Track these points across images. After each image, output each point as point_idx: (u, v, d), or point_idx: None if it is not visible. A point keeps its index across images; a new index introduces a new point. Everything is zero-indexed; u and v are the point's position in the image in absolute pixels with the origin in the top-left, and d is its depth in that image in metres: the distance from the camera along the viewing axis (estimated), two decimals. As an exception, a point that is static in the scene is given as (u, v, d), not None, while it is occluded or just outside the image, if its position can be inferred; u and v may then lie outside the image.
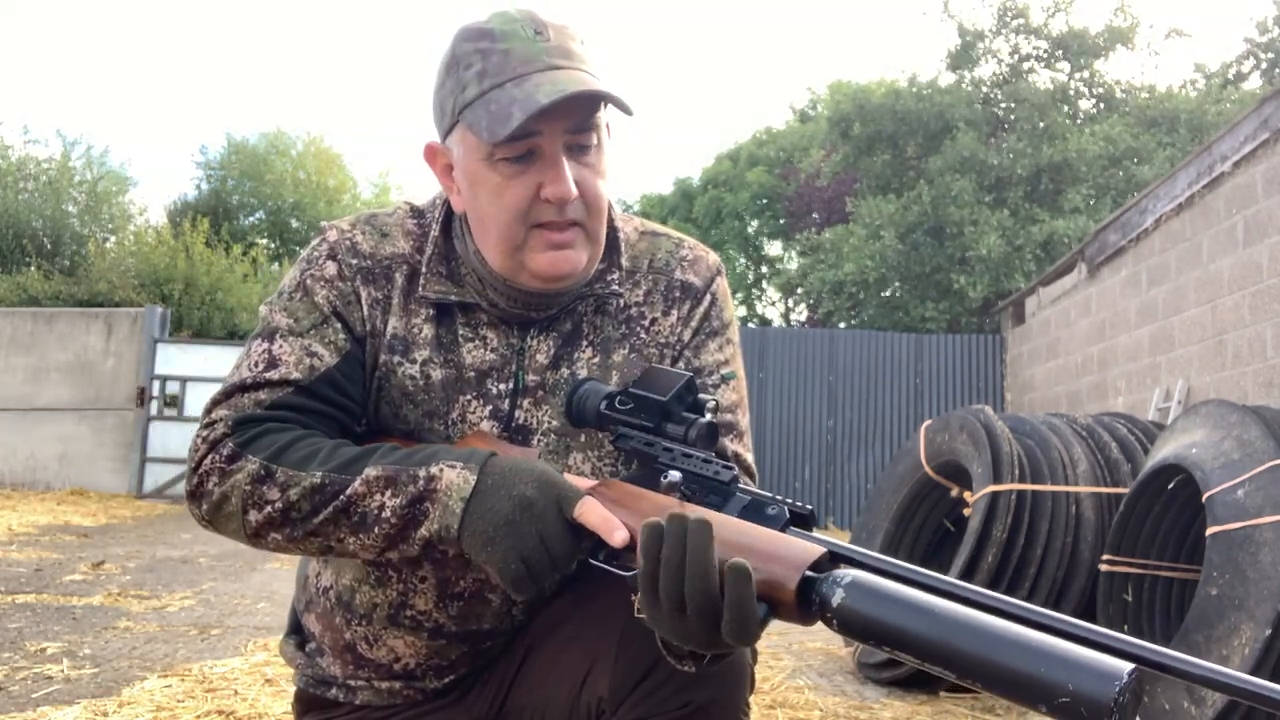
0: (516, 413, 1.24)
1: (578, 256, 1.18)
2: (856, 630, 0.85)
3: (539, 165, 1.14)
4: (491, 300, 1.24)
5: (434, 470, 1.06)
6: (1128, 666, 0.73)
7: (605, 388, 1.15)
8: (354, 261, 1.24)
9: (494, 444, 1.19)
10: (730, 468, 1.03)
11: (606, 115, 1.21)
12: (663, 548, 0.90)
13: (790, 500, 0.98)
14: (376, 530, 1.07)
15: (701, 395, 1.10)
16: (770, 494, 1.00)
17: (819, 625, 0.89)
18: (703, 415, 1.08)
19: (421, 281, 1.24)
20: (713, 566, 0.88)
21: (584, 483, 1.09)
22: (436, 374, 1.23)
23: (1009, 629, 0.79)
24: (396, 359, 1.23)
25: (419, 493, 1.06)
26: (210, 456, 1.12)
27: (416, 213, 1.31)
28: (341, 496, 1.07)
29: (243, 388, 1.16)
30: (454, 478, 1.06)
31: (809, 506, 0.97)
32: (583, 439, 1.25)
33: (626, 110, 1.14)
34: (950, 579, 0.88)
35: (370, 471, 1.07)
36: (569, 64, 1.13)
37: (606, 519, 1.01)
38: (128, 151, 50.88)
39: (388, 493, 1.07)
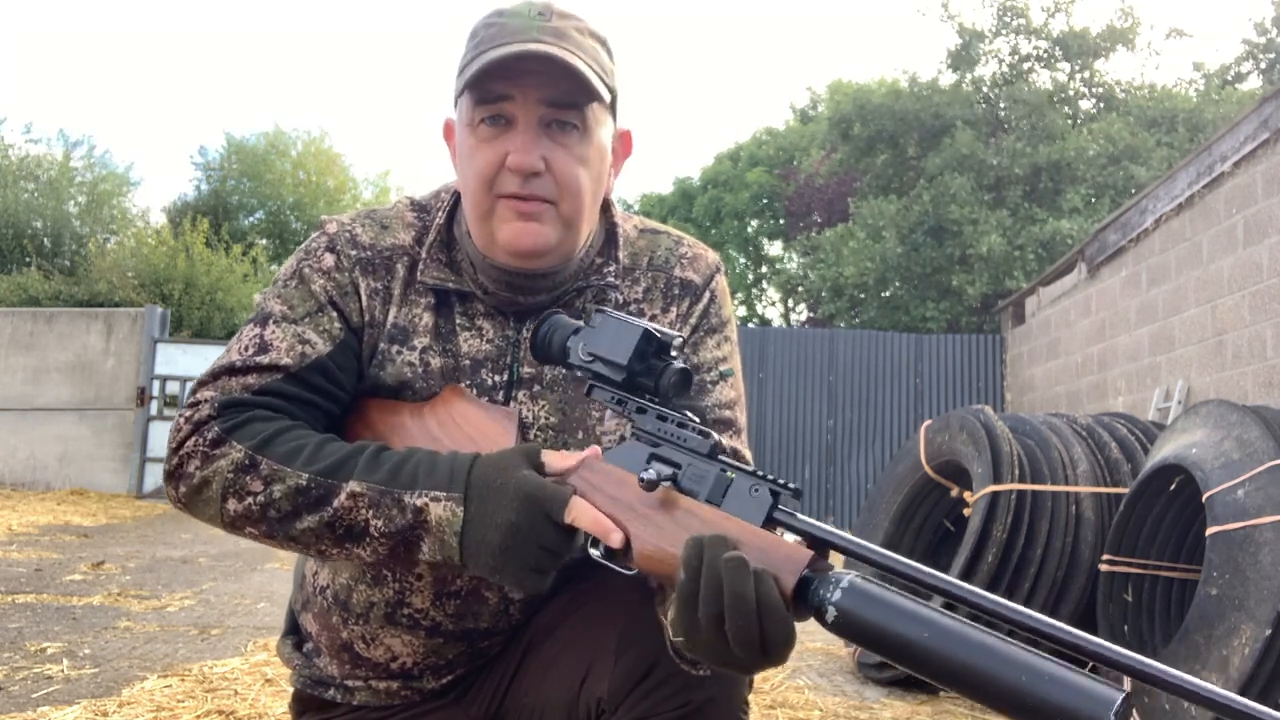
0: (511, 405, 1.23)
1: (544, 232, 1.17)
2: (851, 635, 0.86)
3: (511, 134, 1.16)
4: (483, 285, 1.24)
5: (419, 503, 1.05)
6: (1119, 696, 0.73)
7: (571, 323, 1.12)
8: (353, 253, 1.24)
9: (471, 403, 1.18)
10: (708, 434, 1.01)
11: (616, 117, 1.23)
12: (701, 574, 0.89)
13: (773, 478, 0.96)
14: (366, 544, 1.07)
15: (662, 331, 1.07)
16: (753, 469, 0.98)
17: (818, 625, 0.89)
18: (671, 361, 1.06)
19: (421, 267, 1.24)
20: (752, 605, 0.87)
21: (566, 461, 1.07)
22: (435, 362, 1.23)
23: (1004, 648, 0.78)
24: (396, 348, 1.23)
25: (409, 523, 1.05)
26: (194, 439, 1.10)
27: (417, 206, 1.31)
28: (327, 508, 1.06)
29: (231, 370, 1.15)
30: (441, 512, 1.04)
31: (792, 484, 0.95)
32: (580, 435, 1.24)
33: (594, 93, 1.14)
34: (934, 571, 0.88)
35: (354, 486, 1.06)
36: (556, 42, 1.14)
37: (598, 521, 1.00)
38: (129, 152, 50.97)
39: (371, 512, 1.06)
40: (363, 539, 1.07)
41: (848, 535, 0.92)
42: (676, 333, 1.08)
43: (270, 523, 1.07)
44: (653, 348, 1.06)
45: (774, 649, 0.87)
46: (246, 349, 1.17)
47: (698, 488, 0.99)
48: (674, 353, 1.07)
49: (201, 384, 1.15)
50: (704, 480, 0.99)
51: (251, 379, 1.14)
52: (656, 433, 1.04)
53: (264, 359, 1.15)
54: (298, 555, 1.37)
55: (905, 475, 4.15)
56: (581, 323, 1.12)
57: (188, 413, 1.12)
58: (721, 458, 1.00)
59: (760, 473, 0.97)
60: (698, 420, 1.04)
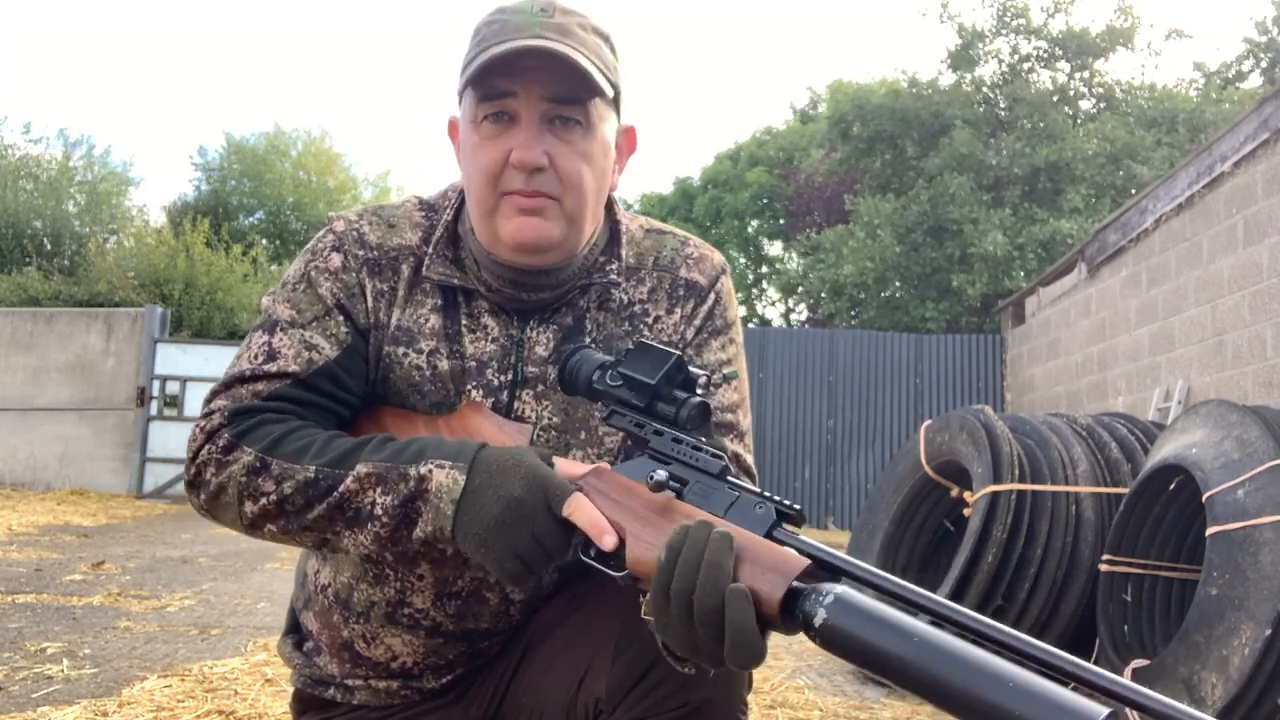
0: (515, 404, 1.24)
1: (547, 228, 1.17)
2: (838, 647, 0.85)
3: (514, 130, 1.16)
4: (486, 282, 1.24)
5: (423, 470, 1.06)
6: (1104, 711, 0.73)
7: (598, 357, 1.14)
8: (360, 253, 1.24)
9: (487, 418, 1.19)
10: (720, 457, 1.02)
11: (620, 113, 1.24)
12: (682, 549, 0.90)
13: (779, 499, 0.97)
14: (370, 527, 1.08)
15: (692, 369, 1.08)
16: (759, 490, 0.99)
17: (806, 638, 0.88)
18: (694, 393, 1.07)
19: (427, 263, 1.24)
20: (726, 579, 0.88)
21: (577, 469, 1.08)
22: (443, 364, 1.23)
23: (992, 662, 0.78)
24: (402, 350, 1.23)
25: (411, 493, 1.06)
26: (207, 447, 1.13)
27: (425, 206, 1.31)
28: (335, 493, 1.08)
29: (241, 379, 1.17)
30: (443, 479, 1.06)
31: (797, 505, 0.96)
32: (582, 436, 1.25)
33: (597, 89, 1.14)
34: (932, 594, 0.87)
35: (361, 468, 1.08)
36: (558, 38, 1.14)
37: (595, 522, 1.01)
38: (128, 151, 50.96)
39: (378, 489, 1.07)
40: (368, 521, 1.07)
41: (849, 557, 0.91)
42: (704, 372, 1.09)
43: (287, 517, 1.10)
44: (681, 377, 1.07)
45: (736, 637, 0.86)
46: (256, 357, 1.18)
47: (703, 502, 1.00)
48: (699, 390, 1.07)
49: (215, 393, 1.17)
50: (710, 495, 1.00)
51: (261, 386, 1.16)
52: (670, 453, 1.05)
53: (272, 367, 1.17)
54: (300, 553, 1.37)
55: (905, 475, 4.15)
56: (609, 357, 1.13)
57: (201, 422, 1.14)
58: (730, 479, 1.01)
59: (766, 494, 0.98)
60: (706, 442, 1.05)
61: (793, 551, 0.92)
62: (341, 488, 1.07)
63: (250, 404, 1.14)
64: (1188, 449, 3.03)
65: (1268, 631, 2.47)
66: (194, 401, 11.65)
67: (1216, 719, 2.50)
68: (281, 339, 1.19)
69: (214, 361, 11.72)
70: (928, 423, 4.11)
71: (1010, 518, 3.37)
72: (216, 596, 4.73)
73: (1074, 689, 0.78)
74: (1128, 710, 0.77)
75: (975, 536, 3.38)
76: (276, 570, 5.80)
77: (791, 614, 0.88)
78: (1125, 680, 0.77)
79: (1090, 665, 0.79)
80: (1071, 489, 3.50)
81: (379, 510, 1.07)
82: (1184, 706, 0.75)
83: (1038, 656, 0.80)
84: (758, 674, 3.44)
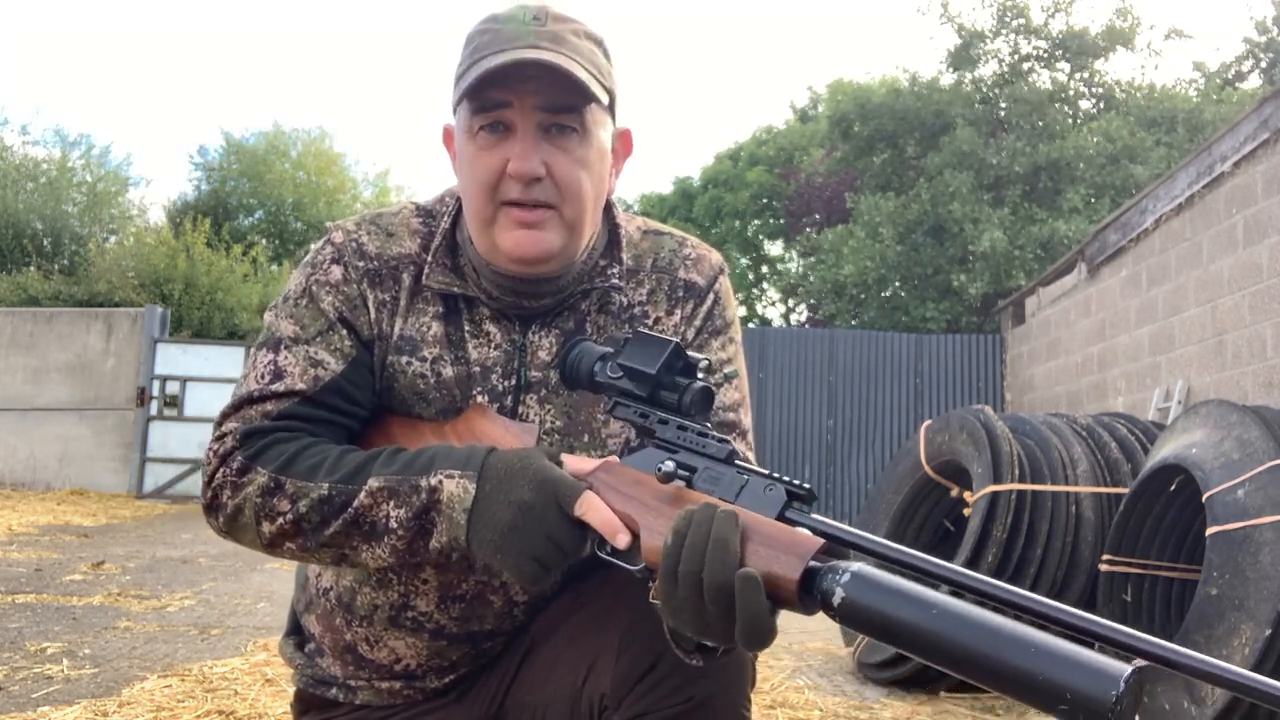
0: (519, 409, 1.24)
1: (546, 239, 1.17)
2: (858, 623, 0.86)
3: (511, 140, 1.15)
4: (487, 290, 1.24)
5: (434, 481, 1.07)
6: (1126, 669, 0.74)
7: (598, 349, 1.14)
8: (360, 264, 1.24)
9: (493, 421, 1.19)
10: (726, 441, 1.03)
11: (615, 117, 1.23)
12: (688, 533, 0.92)
13: (788, 479, 0.97)
14: (387, 540, 1.09)
15: (691, 354, 1.09)
16: (768, 471, 1.00)
17: (818, 622, 0.89)
18: (696, 379, 1.08)
19: (427, 272, 1.24)
20: (734, 556, 0.89)
21: (585, 465, 1.08)
22: (447, 371, 1.23)
23: (1011, 627, 0.79)
24: (405, 359, 1.23)
25: (424, 504, 1.07)
26: (221, 470, 1.13)
27: (423, 212, 1.30)
28: (350, 509, 1.08)
29: (250, 400, 1.17)
30: (454, 489, 1.06)
31: (806, 485, 0.96)
32: (586, 439, 1.25)
33: (592, 97, 1.14)
34: (948, 563, 0.88)
35: (373, 483, 1.08)
36: (552, 47, 1.14)
37: (607, 521, 1.01)
38: (127, 149, 50.93)
39: (391, 503, 1.08)
40: (384, 535, 1.08)
41: (862, 532, 0.92)
42: (704, 356, 1.10)
43: (304, 535, 1.10)
44: (680, 364, 1.08)
45: (745, 614, 0.87)
46: (263, 376, 1.19)
47: (713, 488, 1.01)
48: (699, 374, 1.08)
49: (225, 416, 1.18)
50: (719, 481, 1.01)
51: (270, 406, 1.17)
52: (676, 440, 1.05)
53: (279, 386, 1.17)
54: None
55: (905, 475, 4.15)
56: (609, 348, 1.13)
57: (215, 446, 1.15)
58: (738, 463, 1.02)
59: (775, 475, 0.99)
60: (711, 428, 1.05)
61: (806, 532, 0.93)
62: (355, 503, 1.08)
63: (261, 425, 1.15)
64: (1188, 449, 3.03)
65: (1268, 631, 2.47)
66: (194, 402, 11.66)
67: (1216, 717, 2.50)
68: (287, 357, 1.19)
69: (214, 361, 11.73)
70: (928, 423, 4.11)
71: (1010, 518, 3.37)
72: (216, 596, 4.73)
73: (1099, 650, 0.78)
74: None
75: (975, 536, 3.38)
76: (276, 570, 5.80)
77: (810, 594, 0.89)
78: (1147, 635, 0.78)
79: (1112, 624, 0.79)
80: (1071, 489, 3.50)
81: (394, 524, 1.08)
82: (1207, 658, 0.76)
83: (1060, 619, 0.81)
84: (758, 674, 3.43)
